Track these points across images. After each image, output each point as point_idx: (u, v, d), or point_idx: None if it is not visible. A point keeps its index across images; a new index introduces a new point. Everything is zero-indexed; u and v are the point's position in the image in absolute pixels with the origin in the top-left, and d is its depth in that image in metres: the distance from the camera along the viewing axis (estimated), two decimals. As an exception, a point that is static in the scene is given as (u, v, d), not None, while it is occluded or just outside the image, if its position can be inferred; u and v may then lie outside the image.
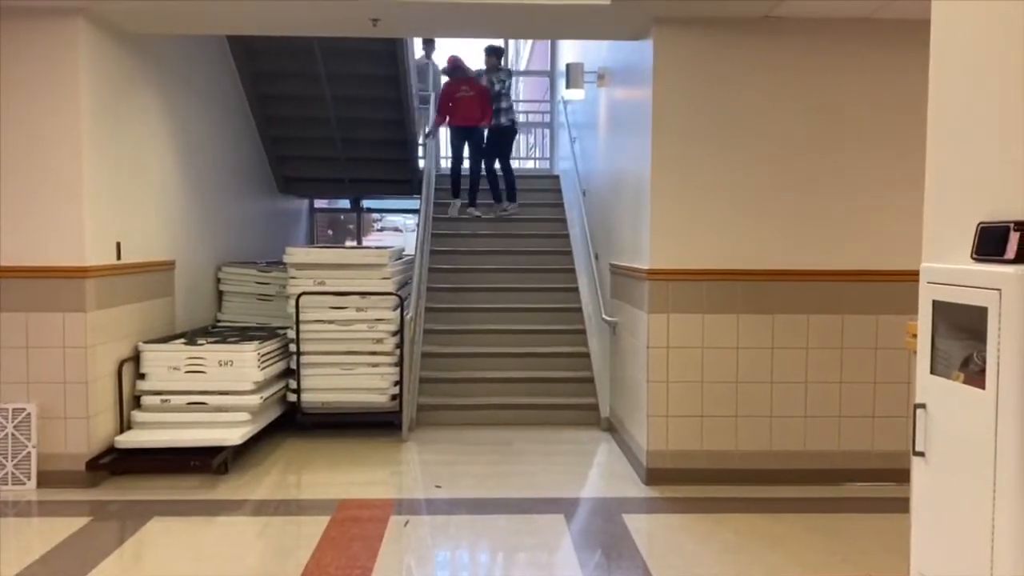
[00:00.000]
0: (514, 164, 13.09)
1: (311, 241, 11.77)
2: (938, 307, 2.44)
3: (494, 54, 9.79)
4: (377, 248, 7.45)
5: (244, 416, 5.79)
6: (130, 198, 5.79)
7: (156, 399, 5.75)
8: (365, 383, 6.58)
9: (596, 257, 7.60)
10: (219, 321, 7.40)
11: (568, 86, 8.27)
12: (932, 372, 2.47)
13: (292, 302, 6.54)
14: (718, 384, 5.34)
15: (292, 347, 6.54)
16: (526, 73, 16.39)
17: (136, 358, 5.77)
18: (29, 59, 5.11)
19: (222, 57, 7.84)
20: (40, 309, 5.19)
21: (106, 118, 5.44)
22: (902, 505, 2.90)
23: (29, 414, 5.18)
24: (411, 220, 14.26)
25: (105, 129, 5.43)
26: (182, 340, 6.05)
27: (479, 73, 9.79)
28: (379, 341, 6.61)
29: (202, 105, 7.28)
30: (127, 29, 5.60)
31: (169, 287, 6.39)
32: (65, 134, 5.15)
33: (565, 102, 10.09)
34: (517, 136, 10.50)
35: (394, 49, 8.02)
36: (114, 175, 5.55)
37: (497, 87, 9.55)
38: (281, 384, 6.50)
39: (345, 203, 12.50)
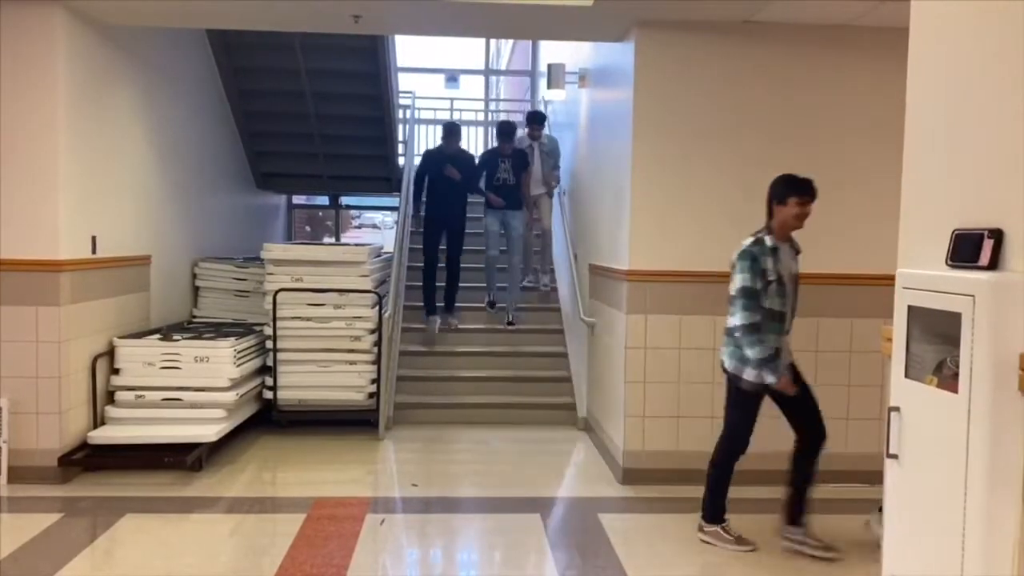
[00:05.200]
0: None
1: (289, 237, 11.68)
2: (913, 312, 2.48)
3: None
4: (355, 245, 7.42)
5: (219, 413, 5.75)
6: (106, 192, 5.73)
7: (130, 395, 5.69)
8: (342, 381, 6.55)
9: (575, 257, 7.62)
10: (195, 317, 7.34)
11: (549, 86, 8.28)
12: (906, 376, 2.50)
13: (269, 299, 6.50)
14: (694, 385, 5.37)
15: (268, 344, 6.50)
16: (507, 73, 16.39)
17: (110, 353, 5.71)
18: (5, 49, 5.04)
19: (201, 51, 7.77)
20: (13, 303, 5.12)
21: (83, 110, 5.38)
22: (875, 506, 2.94)
23: (0, 409, 5.11)
24: (390, 218, 14.23)
25: (82, 122, 5.36)
26: (157, 336, 5.99)
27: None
28: (356, 339, 6.59)
29: (180, 99, 7.21)
30: (106, 20, 5.54)
31: (145, 282, 6.33)
32: (41, 126, 5.09)
33: (546, 102, 10.10)
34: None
35: (375, 46, 8.00)
36: (90, 168, 5.48)
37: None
38: (257, 381, 6.46)
39: (323, 200, 12.43)
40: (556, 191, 8.57)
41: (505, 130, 8.07)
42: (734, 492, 5.16)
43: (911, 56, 2.65)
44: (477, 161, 8.16)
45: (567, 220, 8.19)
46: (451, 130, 8.03)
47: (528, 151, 8.26)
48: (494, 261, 8.10)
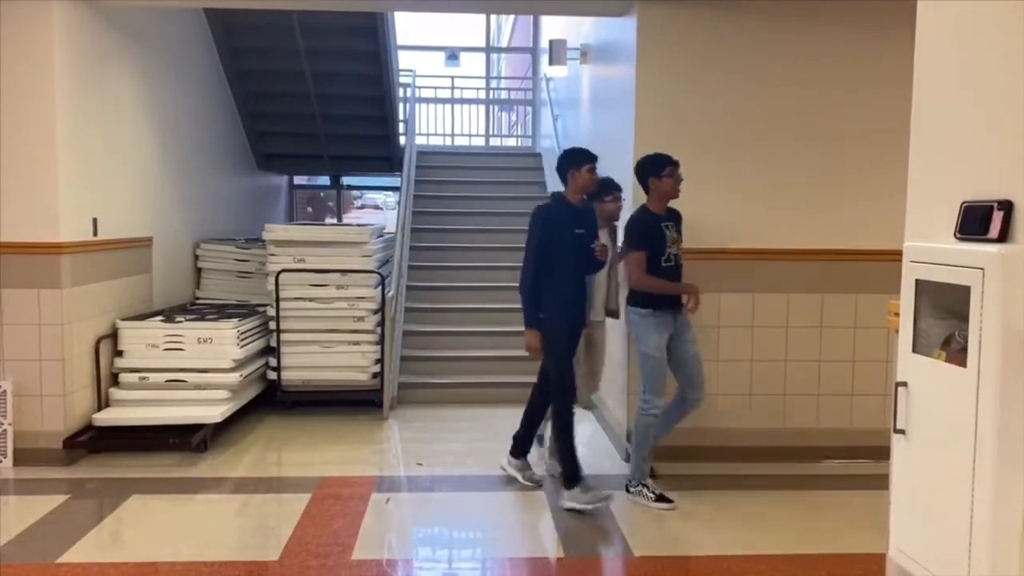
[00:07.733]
0: (495, 142, 13.12)
1: (290, 218, 11.68)
2: (921, 286, 2.45)
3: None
4: (358, 226, 7.39)
5: (223, 394, 5.75)
6: (106, 174, 5.70)
7: (134, 376, 5.69)
8: (346, 361, 6.55)
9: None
10: (198, 298, 7.34)
11: (551, 63, 8.20)
12: (914, 350, 2.49)
13: (272, 279, 6.49)
14: (699, 362, 5.35)
15: (272, 325, 6.49)
16: (508, 50, 16.29)
17: (114, 335, 5.71)
18: (2, 30, 4.99)
19: (200, 32, 7.72)
20: (15, 286, 5.11)
21: (82, 92, 5.34)
22: (880, 482, 2.93)
23: (5, 392, 5.11)
24: (391, 198, 14.17)
25: (80, 104, 5.32)
26: (160, 317, 5.99)
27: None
28: (360, 319, 6.58)
29: (180, 80, 7.16)
30: (103, 1, 5.48)
31: (147, 264, 6.32)
32: (40, 108, 5.05)
33: (548, 79, 10.03)
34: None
35: (375, 24, 7.93)
36: (90, 150, 5.45)
37: None
38: (261, 362, 6.46)
39: (325, 180, 12.41)
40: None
41: (655, 163, 4.69)
42: (727, 469, 5.16)
43: (919, 26, 2.61)
44: (626, 226, 4.82)
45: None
46: (577, 159, 4.75)
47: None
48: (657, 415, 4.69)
